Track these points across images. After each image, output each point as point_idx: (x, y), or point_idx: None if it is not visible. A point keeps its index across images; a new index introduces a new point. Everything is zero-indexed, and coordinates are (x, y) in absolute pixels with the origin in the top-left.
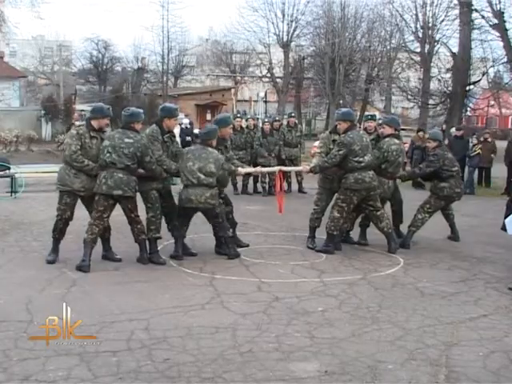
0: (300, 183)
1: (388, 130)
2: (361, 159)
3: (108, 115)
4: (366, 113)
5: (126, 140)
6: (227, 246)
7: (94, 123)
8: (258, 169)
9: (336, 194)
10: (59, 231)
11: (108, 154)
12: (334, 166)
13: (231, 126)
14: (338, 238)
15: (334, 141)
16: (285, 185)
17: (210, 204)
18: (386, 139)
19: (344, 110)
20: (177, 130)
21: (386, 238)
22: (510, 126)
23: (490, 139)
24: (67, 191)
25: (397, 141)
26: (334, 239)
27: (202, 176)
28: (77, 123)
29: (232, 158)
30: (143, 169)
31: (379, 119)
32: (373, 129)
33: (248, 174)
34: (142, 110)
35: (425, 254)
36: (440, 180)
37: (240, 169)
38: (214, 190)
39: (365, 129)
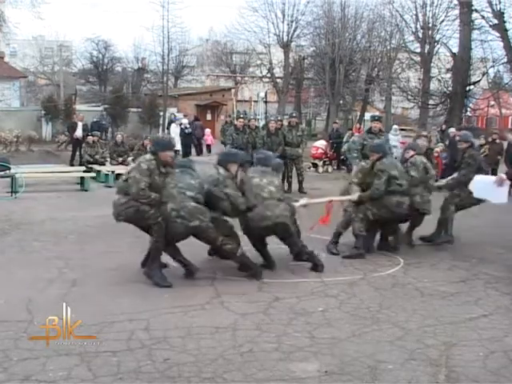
0: (301, 183)
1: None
2: (401, 182)
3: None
4: (372, 114)
5: None
6: (308, 260)
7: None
8: (311, 200)
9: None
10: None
11: None
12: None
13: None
14: (370, 239)
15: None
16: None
17: (287, 218)
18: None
19: (376, 142)
20: (177, 130)
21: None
22: (509, 126)
23: (497, 140)
24: None
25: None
26: (362, 241)
27: (273, 188)
28: (79, 123)
29: None
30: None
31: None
32: (377, 129)
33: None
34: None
35: (425, 253)
36: None
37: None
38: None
39: (369, 129)
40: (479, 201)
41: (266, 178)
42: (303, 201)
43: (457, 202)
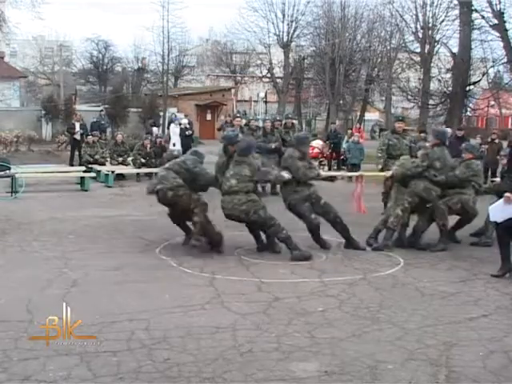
0: None
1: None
2: (437, 174)
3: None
4: (396, 115)
5: None
6: (289, 248)
7: None
8: (347, 173)
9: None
10: None
11: None
12: (415, 175)
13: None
14: (403, 234)
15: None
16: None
17: (239, 211)
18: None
19: (441, 129)
20: (176, 130)
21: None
22: (510, 126)
23: (496, 140)
24: None
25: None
26: (393, 234)
27: (234, 181)
28: (77, 124)
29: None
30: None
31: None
32: (401, 130)
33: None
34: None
35: (425, 253)
36: None
37: (321, 172)
38: (246, 195)
39: (393, 129)
40: None
41: (235, 169)
42: (339, 172)
43: None
